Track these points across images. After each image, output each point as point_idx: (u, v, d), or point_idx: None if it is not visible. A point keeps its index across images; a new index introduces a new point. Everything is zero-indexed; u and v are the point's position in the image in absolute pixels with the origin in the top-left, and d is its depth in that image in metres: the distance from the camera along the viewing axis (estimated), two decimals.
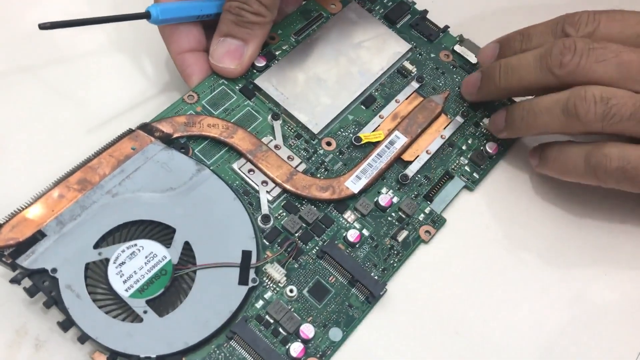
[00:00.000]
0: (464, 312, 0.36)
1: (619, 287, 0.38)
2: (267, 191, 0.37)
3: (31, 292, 0.32)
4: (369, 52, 0.43)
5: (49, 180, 0.35)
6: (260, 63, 0.41)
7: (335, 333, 0.34)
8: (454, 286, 0.37)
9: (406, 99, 0.42)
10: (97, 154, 0.36)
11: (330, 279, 0.36)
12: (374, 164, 0.39)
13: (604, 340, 0.36)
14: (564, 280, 0.38)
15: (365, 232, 0.37)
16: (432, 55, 0.44)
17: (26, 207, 0.34)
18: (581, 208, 0.40)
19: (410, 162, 0.40)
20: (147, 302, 0.33)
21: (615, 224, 0.40)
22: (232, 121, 0.39)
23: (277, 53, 0.42)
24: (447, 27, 0.46)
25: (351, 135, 0.40)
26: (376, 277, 0.36)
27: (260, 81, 0.40)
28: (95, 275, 0.33)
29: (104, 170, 0.36)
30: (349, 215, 0.38)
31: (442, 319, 0.36)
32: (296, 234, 0.36)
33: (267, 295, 0.35)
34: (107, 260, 0.33)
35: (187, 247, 0.34)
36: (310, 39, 0.43)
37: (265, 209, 0.37)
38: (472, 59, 0.44)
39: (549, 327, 0.36)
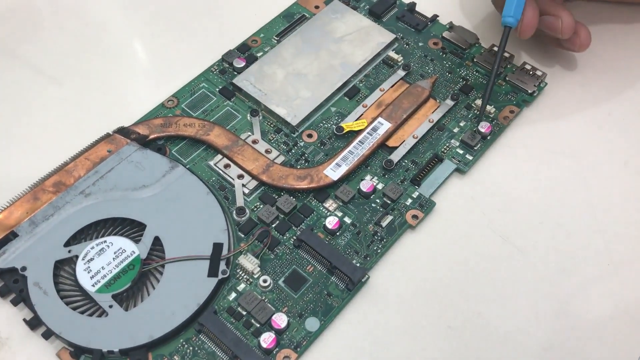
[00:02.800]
0: (456, 304, 0.33)
1: (622, 278, 0.34)
2: (243, 184, 0.36)
3: (2, 292, 0.32)
4: (351, 45, 0.42)
5: (26, 184, 0.35)
6: (240, 64, 0.41)
7: (312, 323, 0.32)
8: (444, 275, 0.34)
9: (391, 87, 0.41)
10: (74, 158, 0.36)
11: (308, 268, 0.34)
12: (356, 151, 0.37)
13: (605, 332, 0.32)
14: (564, 270, 0.34)
15: (347, 220, 0.35)
16: (420, 44, 0.43)
17: (1, 211, 0.34)
18: (581, 189, 0.37)
19: (395, 148, 0.38)
20: (114, 296, 0.32)
21: (616, 208, 0.36)
22: (210, 120, 0.39)
23: (258, 55, 0.42)
24: (436, 16, 0.44)
25: (334, 126, 0.39)
26: (357, 264, 0.33)
27: (239, 80, 0.40)
28: (64, 273, 0.33)
29: (79, 173, 0.36)
30: (330, 204, 0.36)
31: (432, 310, 0.33)
32: (272, 225, 0.35)
33: (241, 287, 0.33)
34: (77, 257, 0.33)
35: (157, 242, 0.33)
36: (290, 37, 0.42)
37: (240, 201, 0.35)
38: (463, 43, 0.43)
39: (546, 318, 0.32)
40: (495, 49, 0.42)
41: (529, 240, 0.35)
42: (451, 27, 0.43)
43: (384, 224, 0.35)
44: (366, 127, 0.38)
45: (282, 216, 0.35)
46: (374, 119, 0.39)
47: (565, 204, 0.36)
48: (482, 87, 0.41)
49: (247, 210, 0.35)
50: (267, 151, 0.37)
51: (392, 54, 0.42)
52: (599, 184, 0.37)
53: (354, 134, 0.38)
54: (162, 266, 0.33)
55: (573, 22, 0.38)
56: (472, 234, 0.35)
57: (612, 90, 0.41)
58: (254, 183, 0.36)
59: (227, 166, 0.37)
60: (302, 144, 0.38)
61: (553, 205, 0.36)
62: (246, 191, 0.36)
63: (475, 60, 0.42)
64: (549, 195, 0.37)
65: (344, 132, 0.38)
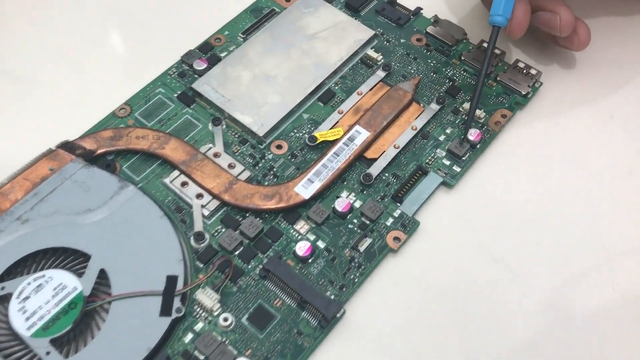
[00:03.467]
0: (445, 339, 0.29)
1: (607, 295, 0.30)
2: (202, 205, 0.32)
3: None
4: (325, 42, 0.38)
5: None
6: (201, 66, 0.37)
7: None
8: (430, 306, 0.30)
9: (370, 90, 0.36)
10: (11, 178, 0.32)
11: (275, 302, 0.30)
12: (330, 164, 0.33)
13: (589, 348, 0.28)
14: (564, 298, 0.30)
15: (321, 244, 0.31)
16: (402, 40, 0.39)
17: None
18: (583, 203, 0.33)
19: (374, 160, 0.34)
20: (52, 341, 0.28)
21: (621, 223, 0.33)
22: (167, 131, 0.34)
23: (222, 55, 0.38)
24: (419, 9, 0.40)
25: (306, 135, 0.35)
26: (332, 297, 0.30)
27: (199, 85, 0.36)
28: None
29: (16, 196, 0.31)
30: (302, 226, 0.32)
31: (417, 348, 0.29)
32: (235, 252, 0.31)
33: (198, 326, 0.29)
34: (11, 295, 0.29)
35: (102, 276, 0.29)
36: (258, 34, 0.38)
37: (199, 225, 0.31)
38: (450, 39, 0.38)
39: (538, 344, 0.29)
40: (486, 45, 0.38)
41: (524, 262, 0.31)
42: (436, 21, 0.39)
43: (362, 248, 0.31)
44: (342, 137, 0.34)
45: (246, 242, 0.31)
46: (351, 126, 0.34)
47: (564, 219, 0.33)
48: (471, 89, 0.37)
49: (207, 236, 0.31)
50: (230, 166, 0.33)
51: (371, 52, 0.38)
52: (602, 196, 0.33)
53: (328, 144, 0.34)
54: (108, 304, 0.29)
55: (573, 19, 0.34)
56: (461, 256, 0.32)
57: (614, 90, 0.37)
58: (215, 203, 0.32)
59: (184, 184, 0.32)
60: (270, 156, 0.34)
61: (551, 221, 0.33)
62: (206, 213, 0.32)
63: (462, 58, 0.38)
64: (546, 210, 0.33)
65: (318, 142, 0.34)
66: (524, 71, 0.37)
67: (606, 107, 0.37)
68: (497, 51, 0.38)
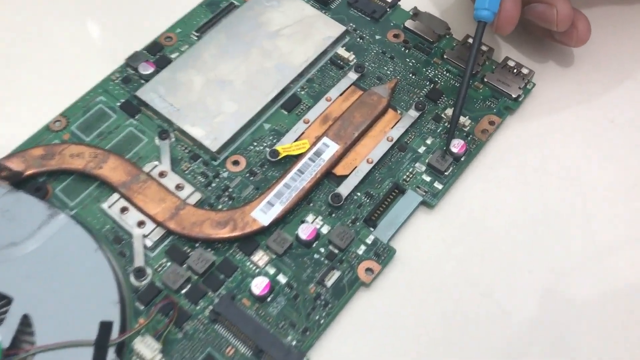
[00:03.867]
0: None
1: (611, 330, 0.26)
2: (143, 235, 0.28)
3: None
4: (290, 40, 0.33)
5: None
6: (147, 70, 0.32)
7: None
8: (408, 348, 0.26)
9: (340, 95, 0.32)
10: None
11: (227, 350, 0.25)
12: (293, 183, 0.29)
13: None
14: (561, 338, 0.26)
15: (282, 279, 0.27)
16: (377, 37, 0.34)
17: None
18: (582, 223, 0.29)
19: (344, 177, 0.30)
20: None
21: (626, 248, 0.29)
22: (106, 147, 0.30)
23: (173, 56, 0.33)
24: (396, 0, 0.35)
25: (267, 149, 0.30)
26: (293, 342, 0.25)
27: (144, 92, 0.31)
28: None
29: None
30: (260, 258, 0.28)
31: None
32: (181, 291, 0.27)
33: None
34: None
35: (25, 323, 0.25)
36: (212, 32, 0.33)
37: (139, 259, 0.27)
38: (431, 35, 0.34)
39: None
40: (470, 41, 0.34)
41: (516, 296, 0.27)
42: (415, 14, 0.34)
43: (330, 282, 0.27)
44: (308, 151, 0.30)
45: (194, 278, 0.27)
46: (318, 138, 0.30)
47: (561, 244, 0.29)
48: (455, 92, 0.32)
49: (149, 272, 0.27)
50: (178, 187, 0.29)
51: (341, 51, 0.33)
52: (604, 215, 0.29)
53: (292, 159, 0.30)
54: (32, 356, 0.25)
55: (571, 12, 0.30)
56: (445, 289, 0.27)
57: (615, 91, 0.33)
58: (159, 232, 0.28)
59: (124, 210, 0.28)
60: (225, 174, 0.30)
61: (546, 246, 0.28)
62: (149, 244, 0.28)
63: (445, 56, 0.33)
64: (541, 232, 0.29)
65: (280, 157, 0.30)
66: (515, 70, 0.33)
67: (607, 110, 0.33)
68: (484, 48, 0.33)
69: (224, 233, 0.27)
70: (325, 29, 0.34)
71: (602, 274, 0.28)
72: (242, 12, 0.34)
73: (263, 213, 0.28)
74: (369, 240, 0.28)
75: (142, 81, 0.32)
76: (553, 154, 0.31)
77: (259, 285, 0.26)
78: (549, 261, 0.28)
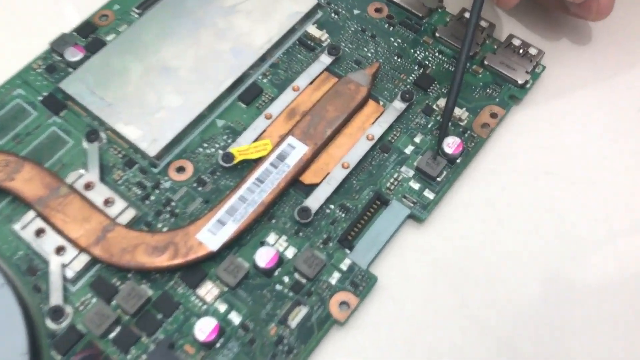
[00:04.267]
0: None
1: None
2: (63, 264, 0.22)
3: None
4: (249, 18, 0.27)
5: None
6: (76, 56, 0.26)
7: None
8: None
9: (311, 83, 0.26)
10: None
11: None
12: (251, 196, 0.23)
13: None
14: None
15: (234, 318, 0.22)
16: (356, 11, 0.29)
17: None
18: (605, 240, 0.24)
19: (314, 187, 0.24)
20: None
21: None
22: (22, 153, 0.25)
23: (109, 39, 0.27)
24: None
25: (219, 152, 0.25)
26: None
27: (69, 84, 0.26)
28: None
29: None
30: (208, 291, 0.22)
31: None
32: (108, 335, 0.21)
33: None
34: None
35: None
36: (154, 9, 0.28)
37: (57, 296, 0.22)
38: (420, 9, 0.28)
39: None
40: (467, 15, 0.28)
41: (524, 334, 0.22)
42: None
43: (295, 321, 0.22)
44: (270, 153, 0.24)
45: (125, 318, 0.22)
46: (283, 138, 0.25)
47: (577, 263, 0.23)
48: (449, 78, 0.27)
49: (69, 311, 0.22)
50: (107, 202, 0.23)
51: (312, 29, 0.28)
52: (631, 227, 0.24)
53: (251, 164, 0.24)
54: None
55: None
56: (436, 325, 0.22)
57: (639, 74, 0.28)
58: (82, 261, 0.22)
59: (40, 232, 0.23)
60: (167, 184, 0.24)
61: (559, 269, 0.23)
62: (69, 275, 0.22)
63: (437, 35, 0.28)
64: (555, 255, 0.23)
65: (236, 161, 0.24)
66: (521, 51, 0.27)
67: (633, 98, 0.27)
68: (483, 24, 0.28)
69: (162, 261, 0.22)
70: (293, 3, 0.28)
71: (628, 300, 0.23)
72: None
73: (212, 234, 0.23)
74: (344, 266, 0.23)
75: (70, 69, 0.26)
76: (569, 153, 0.26)
77: (204, 329, 0.21)
78: (563, 288, 0.23)
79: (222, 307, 0.22)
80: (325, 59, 0.27)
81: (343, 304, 0.22)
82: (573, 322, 0.22)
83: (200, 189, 0.24)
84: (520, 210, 0.24)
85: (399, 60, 0.27)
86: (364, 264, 0.23)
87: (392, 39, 0.28)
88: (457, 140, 0.25)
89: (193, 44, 0.27)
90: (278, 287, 0.22)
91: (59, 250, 0.22)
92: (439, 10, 0.29)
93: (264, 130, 0.25)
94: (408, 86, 0.26)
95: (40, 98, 0.26)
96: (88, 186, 0.24)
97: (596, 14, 0.26)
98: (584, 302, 0.23)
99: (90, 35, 0.27)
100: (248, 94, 0.26)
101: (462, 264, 0.23)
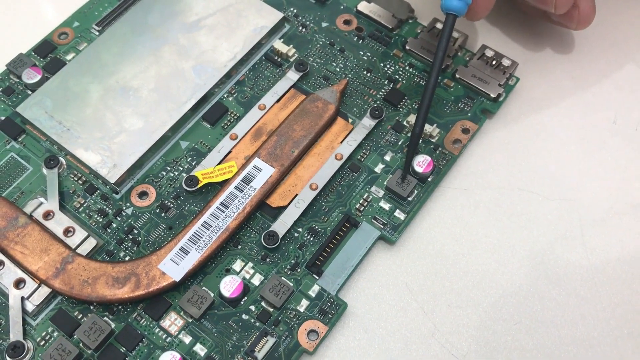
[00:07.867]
0: None
1: None
2: (23, 297, 0.21)
3: None
4: (213, 33, 0.27)
5: None
6: (33, 78, 0.26)
7: None
8: None
9: (277, 101, 0.26)
10: None
11: None
12: (215, 222, 0.23)
13: None
14: None
15: (199, 350, 0.21)
16: (324, 24, 0.28)
17: None
18: (579, 255, 0.23)
19: (281, 210, 0.23)
20: None
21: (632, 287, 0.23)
22: None
23: (68, 58, 0.27)
24: None
25: (183, 176, 0.24)
26: None
27: (26, 108, 0.25)
28: None
29: None
30: (171, 323, 0.22)
31: None
32: None
33: None
34: None
35: None
36: (113, 26, 0.27)
37: (17, 330, 0.21)
38: (389, 21, 0.28)
39: None
40: (439, 26, 0.27)
41: (498, 358, 0.22)
42: None
43: (262, 352, 0.21)
44: (235, 176, 0.24)
45: (87, 353, 0.21)
46: (249, 159, 0.24)
47: (552, 283, 0.23)
48: (420, 93, 0.26)
49: (29, 347, 0.21)
50: (67, 231, 0.23)
51: (279, 44, 0.27)
52: (603, 246, 0.24)
53: (216, 187, 0.24)
54: None
55: None
56: (407, 352, 0.22)
57: (618, 84, 0.27)
58: (42, 294, 0.22)
59: None
60: (129, 210, 0.23)
61: (535, 288, 0.23)
62: (30, 308, 0.21)
63: (408, 47, 0.27)
64: (527, 270, 0.23)
65: (200, 185, 0.24)
66: (494, 62, 0.26)
67: (608, 108, 0.27)
68: (455, 34, 0.27)
69: (124, 293, 0.21)
70: (258, 17, 0.27)
71: (605, 322, 0.22)
72: (151, 1, 0.27)
73: (174, 264, 0.22)
74: (312, 293, 0.22)
75: (29, 92, 0.26)
76: (543, 168, 0.25)
77: None
78: (538, 309, 0.22)
79: (186, 339, 0.21)
80: (293, 75, 0.26)
81: (312, 332, 0.21)
82: (547, 344, 0.22)
83: (163, 214, 0.23)
84: (494, 228, 0.24)
85: (368, 74, 0.26)
86: (333, 290, 0.22)
87: (362, 53, 0.27)
88: (428, 158, 0.24)
89: (154, 62, 0.26)
90: (244, 316, 0.22)
91: (19, 283, 0.22)
92: (410, 21, 0.28)
93: (229, 152, 0.25)
94: (378, 102, 0.26)
95: None
96: (47, 215, 0.23)
97: (578, 22, 0.25)
98: (559, 325, 0.22)
99: (49, 55, 0.27)
100: (213, 114, 0.25)
101: (434, 287, 0.23)
